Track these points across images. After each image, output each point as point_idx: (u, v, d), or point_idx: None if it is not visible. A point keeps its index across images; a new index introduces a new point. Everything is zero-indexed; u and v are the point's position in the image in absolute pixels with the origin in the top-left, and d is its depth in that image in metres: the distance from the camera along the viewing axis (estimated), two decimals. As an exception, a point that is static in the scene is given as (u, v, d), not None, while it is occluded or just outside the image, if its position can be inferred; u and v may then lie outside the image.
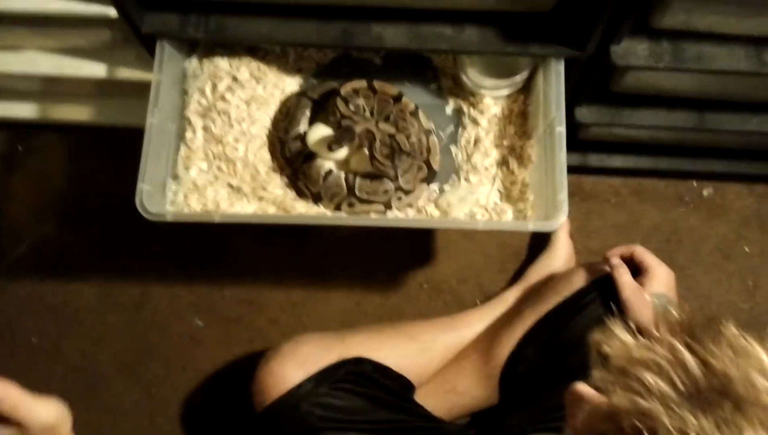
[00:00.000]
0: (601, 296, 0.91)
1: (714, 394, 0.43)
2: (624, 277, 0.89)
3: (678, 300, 0.90)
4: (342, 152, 0.94)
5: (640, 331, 0.49)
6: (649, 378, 0.44)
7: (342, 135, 0.92)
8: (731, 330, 0.45)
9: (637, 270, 0.91)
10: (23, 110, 1.19)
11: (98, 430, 1.15)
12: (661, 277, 0.90)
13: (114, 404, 1.16)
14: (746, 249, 1.20)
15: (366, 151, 0.93)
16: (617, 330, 0.50)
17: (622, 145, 1.14)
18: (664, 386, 0.44)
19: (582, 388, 0.50)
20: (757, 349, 0.44)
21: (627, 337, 0.49)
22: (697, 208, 1.23)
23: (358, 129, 0.93)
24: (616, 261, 0.91)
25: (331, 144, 0.92)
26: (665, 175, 1.23)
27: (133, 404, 1.16)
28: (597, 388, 0.49)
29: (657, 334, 0.48)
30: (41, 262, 1.22)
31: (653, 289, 0.88)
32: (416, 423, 0.95)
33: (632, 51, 0.85)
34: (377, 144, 0.93)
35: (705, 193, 1.24)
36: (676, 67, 0.85)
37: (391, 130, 0.95)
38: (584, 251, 1.19)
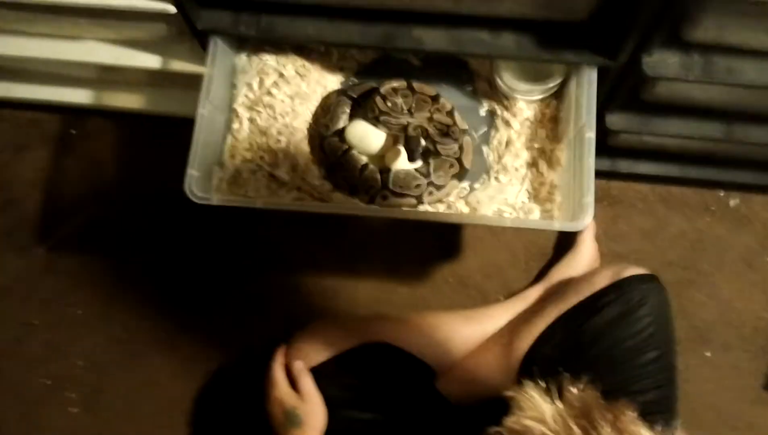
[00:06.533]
0: (620, 298, 0.93)
1: None
2: None
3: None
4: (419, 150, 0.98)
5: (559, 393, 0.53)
6: None
7: (411, 147, 0.96)
8: (629, 416, 0.50)
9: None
10: (78, 96, 1.24)
11: (134, 399, 1.21)
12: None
13: (151, 376, 1.21)
14: (769, 260, 1.22)
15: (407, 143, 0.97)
16: (533, 392, 0.54)
17: (650, 153, 1.15)
18: None
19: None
20: None
21: (539, 402, 0.53)
22: (723, 217, 1.24)
23: (410, 128, 0.97)
24: None
25: (410, 160, 0.96)
26: (693, 184, 1.24)
27: (168, 377, 1.21)
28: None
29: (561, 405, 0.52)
30: (89, 240, 1.28)
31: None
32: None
33: (663, 62, 0.87)
34: (431, 130, 0.98)
35: (731, 203, 1.25)
36: (706, 79, 0.87)
37: (426, 114, 0.99)
38: (610, 254, 1.21)
